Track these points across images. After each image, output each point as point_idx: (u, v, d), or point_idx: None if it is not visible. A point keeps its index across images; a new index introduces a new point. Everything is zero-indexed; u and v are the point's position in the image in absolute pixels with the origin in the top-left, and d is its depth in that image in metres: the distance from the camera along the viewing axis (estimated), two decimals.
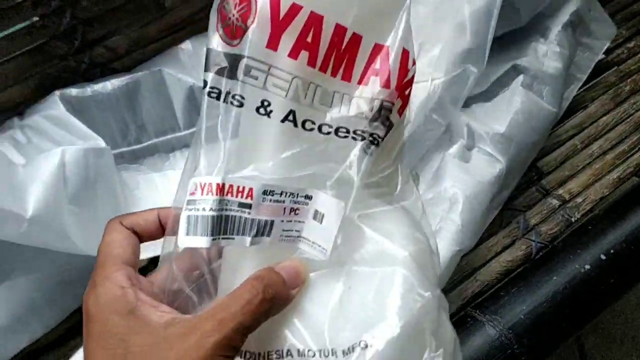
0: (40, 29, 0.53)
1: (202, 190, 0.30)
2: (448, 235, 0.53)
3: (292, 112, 0.31)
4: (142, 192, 0.55)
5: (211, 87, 0.31)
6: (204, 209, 0.30)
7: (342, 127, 0.32)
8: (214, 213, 0.30)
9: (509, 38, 0.66)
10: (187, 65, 0.56)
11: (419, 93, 0.54)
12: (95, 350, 0.31)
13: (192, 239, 0.30)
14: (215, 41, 0.31)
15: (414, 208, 0.37)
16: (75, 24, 0.53)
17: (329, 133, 0.32)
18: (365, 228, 0.34)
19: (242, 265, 0.33)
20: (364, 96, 0.32)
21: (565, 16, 0.68)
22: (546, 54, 0.65)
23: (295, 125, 0.31)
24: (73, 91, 0.53)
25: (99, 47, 0.55)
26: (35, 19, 0.52)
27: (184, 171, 0.32)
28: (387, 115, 0.32)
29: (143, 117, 0.55)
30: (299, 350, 0.32)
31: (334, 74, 0.32)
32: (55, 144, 0.52)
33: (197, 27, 0.58)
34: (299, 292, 0.33)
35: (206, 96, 0.31)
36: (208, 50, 0.31)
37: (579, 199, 0.66)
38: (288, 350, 0.32)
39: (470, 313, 0.56)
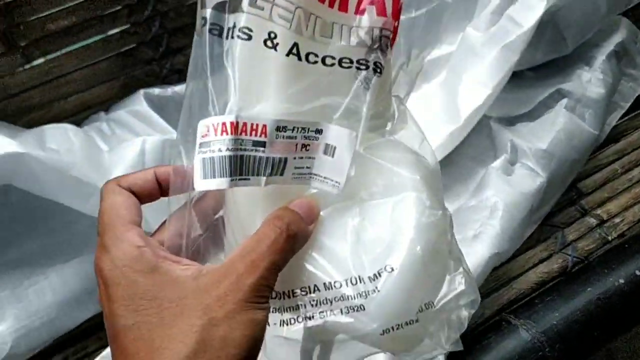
0: (132, 35, 0.59)
1: (215, 130, 0.30)
2: (487, 239, 0.57)
3: (295, 44, 0.31)
4: None
5: (212, 24, 0.30)
6: (220, 150, 0.29)
7: (345, 58, 0.32)
8: (231, 153, 0.29)
9: (554, 64, 0.70)
10: None
11: None
12: (125, 315, 0.30)
13: (210, 181, 0.30)
14: None
15: (414, 135, 0.37)
16: (162, 32, 0.60)
17: (332, 65, 0.32)
18: (373, 158, 0.34)
19: (255, 209, 0.32)
20: (362, 25, 0.32)
21: (610, 46, 0.71)
22: (590, 80, 0.69)
23: (300, 58, 0.31)
24: (156, 91, 0.60)
25: (180, 55, 0.61)
26: (128, 26, 0.59)
27: (184, 112, 0.31)
28: (386, 43, 0.32)
29: None
30: (324, 284, 0.32)
31: (331, 4, 0.32)
32: (135, 135, 0.58)
33: None
34: (315, 228, 0.33)
35: (207, 34, 0.30)
36: None
37: (617, 220, 0.68)
38: (315, 286, 0.32)
39: (505, 317, 0.59)
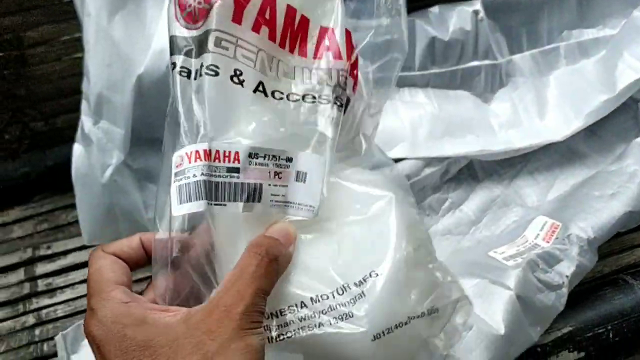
0: None
1: (189, 159, 0.31)
2: (623, 197, 0.61)
3: (261, 82, 0.33)
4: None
5: (181, 67, 0.33)
6: (194, 175, 0.31)
7: (308, 94, 0.34)
8: (205, 178, 0.31)
9: None
10: (433, 22, 0.70)
11: None
12: None
13: (186, 205, 0.31)
14: (178, 29, 0.34)
15: (383, 164, 0.39)
16: None
17: (297, 100, 0.34)
18: (345, 183, 0.36)
19: (238, 241, 0.33)
20: (322, 67, 0.35)
21: None
22: None
23: (266, 95, 0.34)
24: (348, 20, 0.69)
25: None
26: None
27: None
28: (344, 82, 0.35)
29: None
30: (311, 298, 0.33)
31: (291, 50, 0.35)
32: None
33: None
34: (295, 250, 0.34)
35: (177, 76, 0.33)
36: (172, 38, 0.34)
37: None
38: (302, 302, 0.33)
39: (623, 277, 0.63)
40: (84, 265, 0.72)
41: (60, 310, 0.68)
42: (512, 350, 0.54)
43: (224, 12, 0.33)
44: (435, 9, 0.71)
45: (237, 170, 0.32)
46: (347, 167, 0.37)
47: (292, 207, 0.33)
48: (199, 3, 0.33)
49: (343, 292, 0.33)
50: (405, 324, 0.33)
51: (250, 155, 0.32)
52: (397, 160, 0.66)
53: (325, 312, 0.32)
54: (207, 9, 0.33)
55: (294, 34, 0.35)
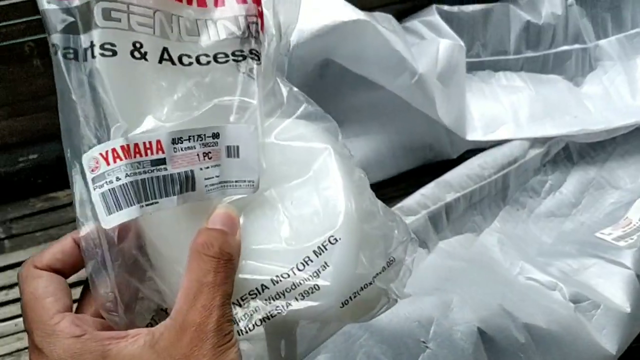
0: None
1: (106, 160, 0.27)
2: None
3: (165, 49, 0.29)
4: (472, 94, 0.70)
5: (65, 48, 0.27)
6: (117, 178, 0.27)
7: (219, 53, 0.30)
8: (131, 179, 0.27)
9: None
10: (523, 7, 0.72)
11: None
12: None
13: (117, 215, 0.27)
14: (49, 1, 0.27)
15: (308, 112, 0.35)
16: None
17: (209, 62, 0.30)
18: (280, 142, 0.33)
19: (177, 234, 0.30)
20: (226, 16, 0.31)
21: None
22: None
23: (173, 62, 0.29)
24: (445, 7, 0.70)
25: None
26: None
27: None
28: (256, 29, 0.31)
29: (486, 38, 0.71)
30: (272, 280, 0.31)
31: (189, 2, 0.30)
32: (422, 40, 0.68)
33: None
34: (241, 233, 0.31)
35: (62, 59, 0.27)
36: (43, 12, 0.27)
37: None
38: (262, 285, 0.30)
39: None
40: None
41: None
42: (636, 327, 0.55)
43: None
44: None
45: (163, 161, 0.28)
46: (275, 123, 0.33)
47: (229, 186, 0.30)
48: None
49: (304, 267, 0.31)
50: (371, 283, 0.32)
51: (174, 141, 0.28)
52: (502, 142, 0.68)
53: (290, 291, 0.31)
54: None
55: None
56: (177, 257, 0.29)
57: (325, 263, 0.31)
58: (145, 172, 0.27)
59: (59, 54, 0.27)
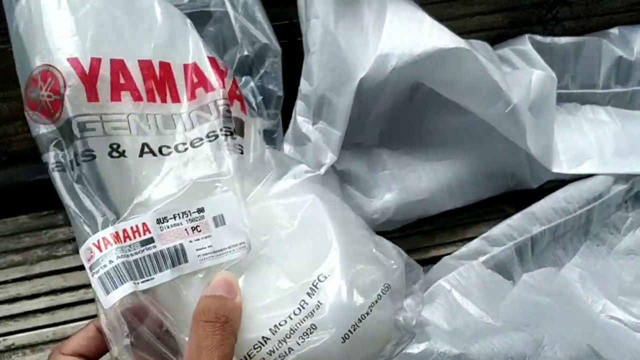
0: None
1: (99, 248, 0.30)
2: None
3: (145, 144, 0.32)
4: (557, 126, 0.70)
5: (55, 164, 0.31)
6: (110, 261, 0.30)
7: (195, 139, 0.33)
8: (122, 260, 0.30)
9: None
10: (615, 42, 0.71)
11: None
12: None
13: (115, 293, 0.30)
14: (37, 128, 0.32)
15: (295, 172, 0.38)
16: None
17: (186, 149, 0.33)
18: (266, 203, 0.35)
19: (184, 305, 0.32)
20: (197, 107, 0.34)
21: None
22: None
23: (154, 154, 0.32)
24: (538, 37, 0.69)
25: (564, 7, 0.71)
26: None
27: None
28: (227, 109, 0.34)
29: (576, 70, 0.71)
30: (271, 330, 0.32)
31: (163, 100, 0.33)
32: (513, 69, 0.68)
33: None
34: (242, 294, 0.32)
35: (55, 173, 0.31)
36: (36, 138, 0.32)
37: None
38: (263, 337, 0.32)
39: None
40: None
41: None
42: None
43: (77, 97, 0.31)
44: (615, 30, 0.72)
45: (151, 240, 0.31)
46: (264, 187, 0.36)
47: (223, 253, 0.32)
48: (49, 97, 0.31)
49: (300, 310, 0.32)
50: (368, 313, 0.33)
51: (159, 221, 0.31)
52: (585, 176, 0.67)
53: (290, 336, 0.32)
54: (59, 99, 0.31)
55: (159, 83, 0.33)
56: (184, 330, 0.31)
57: (319, 302, 0.32)
58: (136, 253, 0.30)
59: (50, 169, 0.31)
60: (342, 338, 0.32)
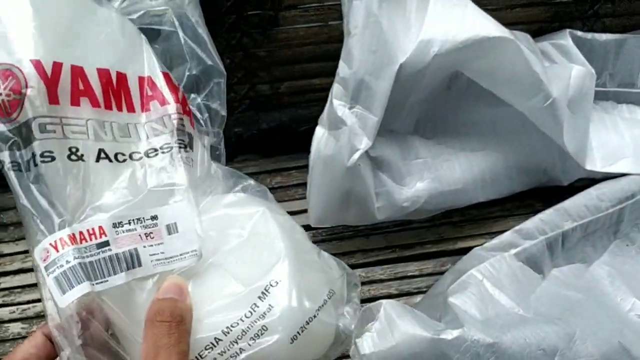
0: None
1: (56, 248, 0.30)
2: None
3: (101, 150, 0.33)
4: (593, 124, 0.69)
5: (11, 162, 0.31)
6: (67, 262, 0.30)
7: (149, 149, 0.35)
8: (79, 261, 0.30)
9: None
10: None
11: None
12: None
13: (71, 293, 0.30)
14: None
15: (244, 186, 0.40)
16: None
17: (140, 158, 0.34)
18: (217, 213, 0.37)
19: (135, 309, 0.33)
20: (152, 119, 0.35)
21: None
22: None
23: (110, 160, 0.34)
24: (579, 33, 0.69)
25: (607, 4, 0.70)
26: None
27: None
28: (181, 123, 0.36)
29: (616, 68, 0.70)
30: (223, 332, 0.33)
31: (119, 109, 0.34)
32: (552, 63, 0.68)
33: None
34: (193, 297, 0.34)
35: (11, 172, 0.31)
36: None
37: None
38: (215, 338, 0.33)
39: None
40: None
41: None
42: None
43: (38, 98, 0.31)
44: None
45: (107, 243, 0.32)
46: (213, 199, 0.37)
47: (175, 260, 0.33)
48: (8, 95, 0.31)
49: (252, 313, 0.33)
50: (314, 316, 0.35)
51: (114, 225, 0.32)
52: (620, 175, 0.67)
53: (241, 337, 0.33)
54: (19, 99, 0.31)
55: (116, 92, 0.35)
56: (136, 331, 0.32)
57: (270, 305, 0.34)
58: (92, 255, 0.31)
59: (6, 167, 0.31)
60: (291, 339, 0.34)
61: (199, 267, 0.34)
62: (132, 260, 0.32)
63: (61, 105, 0.32)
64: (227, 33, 0.65)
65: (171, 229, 0.33)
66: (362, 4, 0.58)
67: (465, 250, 0.63)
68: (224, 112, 0.39)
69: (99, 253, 0.31)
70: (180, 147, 0.35)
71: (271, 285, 0.34)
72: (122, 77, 0.35)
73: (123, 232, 0.32)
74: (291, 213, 0.70)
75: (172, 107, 0.36)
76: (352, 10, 0.59)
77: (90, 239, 0.31)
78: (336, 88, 0.61)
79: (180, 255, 0.33)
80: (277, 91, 0.73)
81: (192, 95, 0.39)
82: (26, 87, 0.31)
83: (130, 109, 0.35)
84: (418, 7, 0.60)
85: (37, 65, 0.31)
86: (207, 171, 0.38)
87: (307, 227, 0.70)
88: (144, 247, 0.32)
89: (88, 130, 0.33)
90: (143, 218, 0.32)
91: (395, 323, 0.44)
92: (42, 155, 0.31)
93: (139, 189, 0.34)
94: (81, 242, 0.31)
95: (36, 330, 0.34)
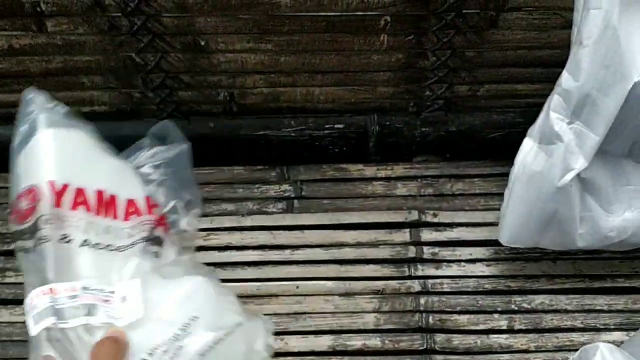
0: None
1: (38, 297, 0.41)
2: None
3: (86, 240, 0.44)
4: None
5: (22, 248, 0.43)
6: (43, 305, 0.41)
7: (121, 246, 0.45)
8: (51, 304, 0.41)
9: None
10: None
11: None
12: None
13: (40, 324, 0.41)
14: (14, 227, 0.44)
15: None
16: None
17: (113, 250, 0.45)
18: (163, 289, 0.44)
19: (85, 351, 0.41)
20: (130, 226, 0.46)
21: None
22: None
23: (91, 247, 0.44)
24: None
25: None
26: None
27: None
28: (150, 227, 0.46)
29: None
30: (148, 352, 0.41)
31: (106, 216, 0.46)
32: None
33: None
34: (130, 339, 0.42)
35: (20, 253, 0.43)
36: (13, 234, 0.44)
37: None
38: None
39: None
40: (470, 243, 0.70)
41: (446, 285, 0.67)
42: None
43: (46, 203, 0.43)
44: None
45: (75, 296, 0.42)
46: (170, 280, 0.46)
47: (121, 319, 0.42)
48: (27, 205, 0.43)
49: (175, 340, 0.42)
50: (222, 339, 0.43)
51: (84, 288, 0.42)
52: None
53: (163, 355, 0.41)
54: (34, 206, 0.43)
55: (107, 206, 0.46)
56: None
57: (189, 332, 0.42)
58: (62, 303, 0.41)
59: (17, 250, 0.43)
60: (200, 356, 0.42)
61: (138, 322, 0.43)
62: (91, 310, 0.42)
63: (63, 209, 0.44)
64: (440, 30, 0.62)
65: (124, 300, 0.43)
66: (600, 13, 0.53)
67: None
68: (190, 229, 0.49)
69: (68, 302, 0.41)
70: (147, 244, 0.46)
71: (192, 319, 0.43)
72: (113, 197, 0.47)
73: (89, 292, 0.42)
74: (472, 225, 0.70)
75: (147, 219, 0.47)
76: (587, 19, 0.54)
77: (65, 293, 0.41)
78: (555, 100, 0.56)
79: (126, 316, 0.42)
80: (475, 93, 0.70)
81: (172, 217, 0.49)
82: (41, 199, 0.43)
83: (115, 217, 0.46)
84: None
85: (51, 183, 0.44)
86: (172, 263, 0.47)
87: (491, 242, 0.68)
88: (102, 305, 0.42)
89: (80, 225, 0.44)
90: (104, 289, 0.43)
91: None
92: (42, 239, 0.42)
93: (107, 268, 0.44)
94: (57, 294, 0.41)
95: None
